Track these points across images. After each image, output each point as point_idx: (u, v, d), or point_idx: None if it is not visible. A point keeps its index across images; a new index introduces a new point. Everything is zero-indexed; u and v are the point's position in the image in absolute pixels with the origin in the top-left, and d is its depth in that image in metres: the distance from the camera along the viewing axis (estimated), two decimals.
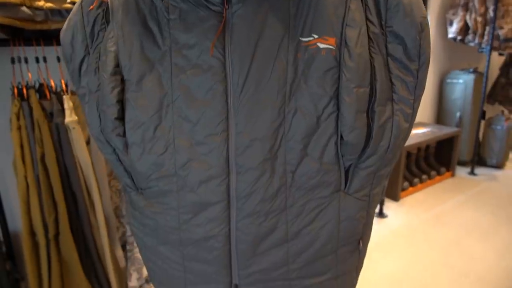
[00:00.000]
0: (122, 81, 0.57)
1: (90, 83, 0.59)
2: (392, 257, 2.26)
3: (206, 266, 0.61)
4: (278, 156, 0.54)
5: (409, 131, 0.59)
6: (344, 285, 0.67)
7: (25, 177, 1.34)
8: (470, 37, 3.44)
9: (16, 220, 1.74)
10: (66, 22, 0.60)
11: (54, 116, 1.33)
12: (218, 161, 0.54)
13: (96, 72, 0.58)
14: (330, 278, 0.64)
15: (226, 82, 0.53)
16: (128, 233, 1.65)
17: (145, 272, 1.67)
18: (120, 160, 0.61)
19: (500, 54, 3.77)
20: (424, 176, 3.31)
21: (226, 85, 0.53)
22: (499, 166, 3.79)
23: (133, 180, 0.63)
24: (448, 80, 3.76)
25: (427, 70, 0.56)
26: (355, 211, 0.60)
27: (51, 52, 1.41)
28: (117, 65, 0.57)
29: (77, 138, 1.39)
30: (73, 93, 1.43)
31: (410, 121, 0.58)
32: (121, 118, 0.58)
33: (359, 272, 0.72)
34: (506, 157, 3.78)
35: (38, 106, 1.30)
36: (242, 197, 0.55)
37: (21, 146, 1.32)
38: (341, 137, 0.54)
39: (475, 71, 3.62)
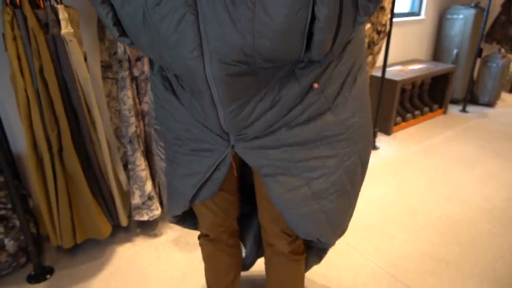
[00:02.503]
0: None
1: None
2: (382, 184, 2.37)
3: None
4: None
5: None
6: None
7: (25, 90, 1.33)
8: None
9: (18, 142, 1.77)
10: None
11: (49, 27, 1.30)
12: None
13: None
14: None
15: None
16: (129, 152, 1.69)
17: (147, 189, 1.74)
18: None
19: None
20: (416, 112, 3.36)
21: None
22: (491, 104, 3.85)
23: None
24: (448, 16, 3.68)
25: None
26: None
27: None
28: None
29: (75, 52, 1.37)
30: (66, 5, 1.39)
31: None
32: None
33: None
34: (498, 96, 3.82)
35: (32, 15, 1.26)
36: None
37: (18, 58, 1.30)
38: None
39: (476, 5, 3.53)
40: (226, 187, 0.98)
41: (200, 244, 1.17)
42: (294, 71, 0.68)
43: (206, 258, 1.18)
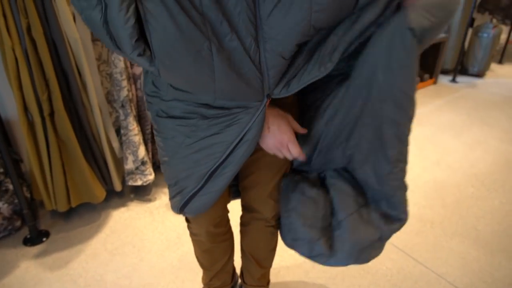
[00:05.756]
0: None
1: None
2: None
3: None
4: None
5: None
6: None
7: (13, 50, 1.30)
8: None
9: (7, 106, 1.74)
10: None
11: None
12: None
13: None
14: None
15: None
16: (122, 117, 1.68)
17: (140, 154, 1.75)
18: None
19: None
20: None
21: None
22: (480, 74, 3.89)
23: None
24: None
25: None
26: None
27: None
28: None
29: (63, 10, 1.33)
30: None
31: None
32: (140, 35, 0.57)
33: None
34: (487, 66, 3.86)
35: None
36: None
37: (4, 16, 1.26)
38: None
39: None
40: None
41: (192, 240, 1.11)
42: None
43: (199, 249, 1.13)
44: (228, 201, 1.06)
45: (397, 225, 0.85)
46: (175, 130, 0.77)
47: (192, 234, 1.09)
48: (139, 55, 0.58)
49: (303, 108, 0.88)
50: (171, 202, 0.90)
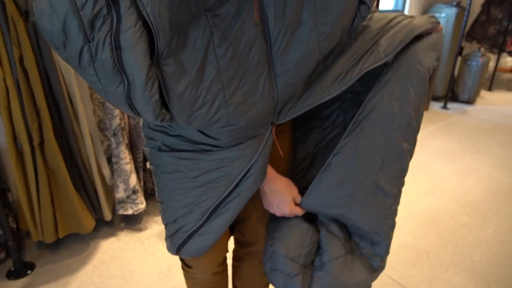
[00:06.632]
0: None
1: (101, 71, 0.52)
2: None
3: None
4: None
5: None
6: None
7: (4, 80, 1.30)
8: None
9: None
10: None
11: (29, 14, 1.27)
12: None
13: (112, 55, 0.50)
14: None
15: None
16: (113, 145, 1.66)
17: (131, 183, 1.72)
18: None
19: None
20: None
21: None
22: (470, 101, 3.95)
23: None
24: (431, 14, 3.75)
25: None
26: None
27: None
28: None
29: None
30: None
31: None
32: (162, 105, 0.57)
33: None
34: (477, 93, 3.93)
35: (11, 1, 1.22)
36: None
37: None
38: None
39: (458, 5, 3.61)
40: None
41: (189, 284, 1.04)
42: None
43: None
44: (229, 238, 1.01)
45: (378, 272, 0.86)
46: (177, 164, 0.74)
47: (190, 279, 1.01)
48: (162, 120, 0.58)
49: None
50: (167, 242, 0.85)
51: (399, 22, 0.76)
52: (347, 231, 0.86)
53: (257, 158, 0.71)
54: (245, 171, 0.71)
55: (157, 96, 0.54)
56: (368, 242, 0.84)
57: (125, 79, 0.52)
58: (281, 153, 0.81)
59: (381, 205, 0.80)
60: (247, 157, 0.70)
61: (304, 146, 0.93)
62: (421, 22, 0.76)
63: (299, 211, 0.81)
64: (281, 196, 0.79)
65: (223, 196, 0.73)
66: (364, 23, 0.75)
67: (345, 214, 0.81)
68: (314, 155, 0.93)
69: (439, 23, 0.80)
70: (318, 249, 0.84)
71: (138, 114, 0.58)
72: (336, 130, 0.92)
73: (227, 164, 0.70)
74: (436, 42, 0.78)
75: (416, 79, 0.75)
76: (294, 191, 0.81)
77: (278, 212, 0.81)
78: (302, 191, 0.83)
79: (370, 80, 0.87)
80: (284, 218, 0.85)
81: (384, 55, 0.71)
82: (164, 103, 0.57)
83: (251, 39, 0.57)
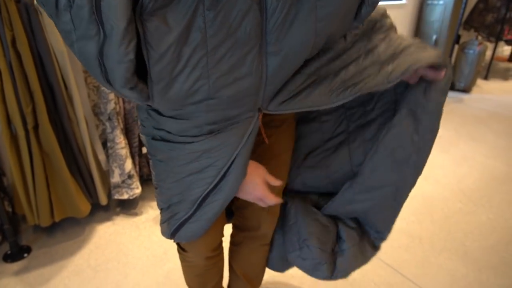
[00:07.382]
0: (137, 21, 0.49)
1: (77, 19, 0.47)
2: None
3: None
4: None
5: None
6: None
7: None
8: None
9: None
10: None
11: None
12: None
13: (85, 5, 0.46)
14: None
15: None
16: (108, 130, 1.65)
17: (127, 167, 1.72)
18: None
19: None
20: None
21: None
22: (466, 90, 3.96)
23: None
24: (429, 1, 3.72)
25: None
26: None
27: None
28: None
29: (50, 23, 1.31)
30: None
31: None
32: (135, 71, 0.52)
33: None
34: (474, 82, 3.93)
35: None
36: None
37: None
38: None
39: None
40: None
41: (184, 266, 1.07)
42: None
43: (191, 274, 1.09)
44: (225, 224, 1.03)
45: (378, 250, 1.04)
46: (168, 153, 0.74)
47: (185, 261, 1.04)
48: (131, 88, 0.55)
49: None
50: (162, 227, 0.87)
51: (408, 50, 0.75)
52: (359, 221, 1.02)
53: (243, 146, 0.69)
54: (231, 161, 0.70)
55: (132, 56, 0.50)
56: (375, 230, 1.01)
57: (101, 30, 0.48)
58: (266, 140, 0.82)
59: (396, 210, 0.97)
60: (232, 145, 0.69)
61: (298, 145, 1.01)
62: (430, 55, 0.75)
63: (272, 199, 0.77)
64: (251, 179, 0.76)
65: (210, 187, 0.73)
66: (380, 42, 0.75)
67: (361, 216, 0.99)
68: (305, 157, 1.00)
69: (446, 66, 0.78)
70: (337, 238, 0.99)
71: (106, 76, 0.53)
72: (336, 140, 0.97)
73: (212, 154, 0.70)
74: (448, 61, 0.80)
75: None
76: (262, 172, 0.78)
77: (252, 197, 0.78)
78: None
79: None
80: (305, 215, 0.98)
81: (387, 81, 0.70)
82: (137, 71, 0.54)
83: (245, 9, 0.52)
